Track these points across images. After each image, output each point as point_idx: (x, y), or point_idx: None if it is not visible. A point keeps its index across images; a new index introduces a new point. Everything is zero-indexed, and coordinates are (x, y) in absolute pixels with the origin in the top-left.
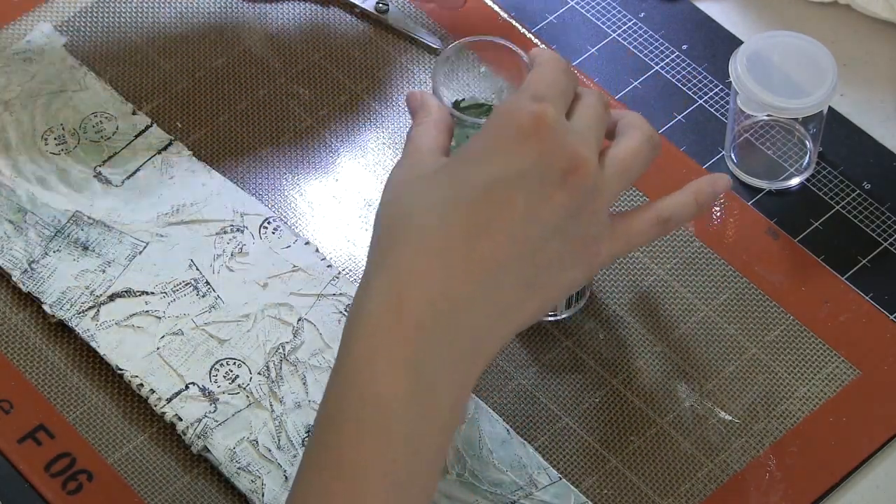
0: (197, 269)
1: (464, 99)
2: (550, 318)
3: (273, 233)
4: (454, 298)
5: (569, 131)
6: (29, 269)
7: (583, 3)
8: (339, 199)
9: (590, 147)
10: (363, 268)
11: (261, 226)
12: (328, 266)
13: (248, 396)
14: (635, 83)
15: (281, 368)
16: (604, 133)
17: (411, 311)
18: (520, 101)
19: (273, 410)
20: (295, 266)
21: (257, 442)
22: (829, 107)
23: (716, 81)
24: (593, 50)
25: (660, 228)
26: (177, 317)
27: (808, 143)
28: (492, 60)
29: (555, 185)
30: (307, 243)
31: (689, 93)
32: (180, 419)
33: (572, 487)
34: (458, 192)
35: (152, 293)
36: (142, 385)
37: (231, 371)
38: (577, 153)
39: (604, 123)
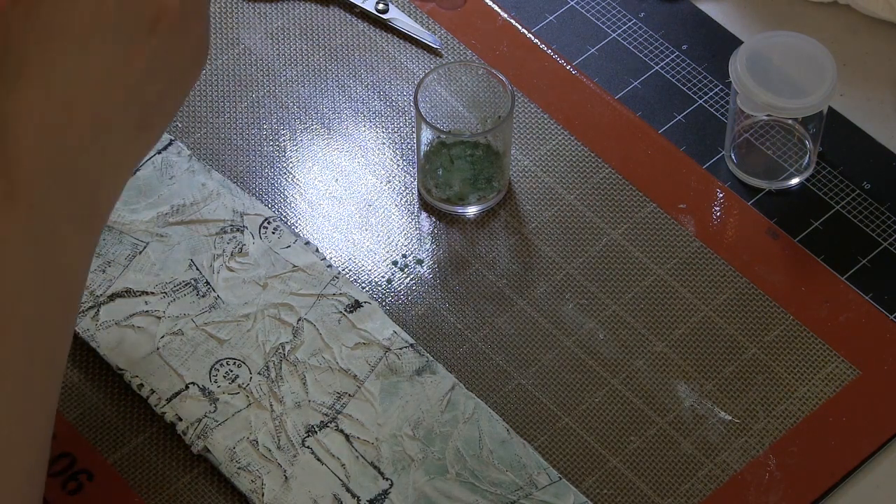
0: (197, 269)
1: (449, 132)
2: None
3: (273, 233)
4: (67, 162)
5: None
6: None
7: (583, 3)
8: (339, 199)
9: None
10: (363, 267)
11: (261, 226)
12: (328, 266)
13: (248, 396)
14: (635, 83)
15: (281, 368)
16: None
17: (25, 185)
18: None
19: (273, 410)
20: (295, 266)
21: (257, 442)
22: (829, 107)
23: (716, 81)
24: (593, 50)
25: None
26: (177, 317)
27: (807, 143)
28: (472, 83)
29: (144, 34)
30: (307, 243)
31: (689, 93)
32: (180, 419)
33: (572, 487)
34: (53, 43)
35: (152, 293)
36: (142, 385)
37: (231, 371)
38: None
39: None
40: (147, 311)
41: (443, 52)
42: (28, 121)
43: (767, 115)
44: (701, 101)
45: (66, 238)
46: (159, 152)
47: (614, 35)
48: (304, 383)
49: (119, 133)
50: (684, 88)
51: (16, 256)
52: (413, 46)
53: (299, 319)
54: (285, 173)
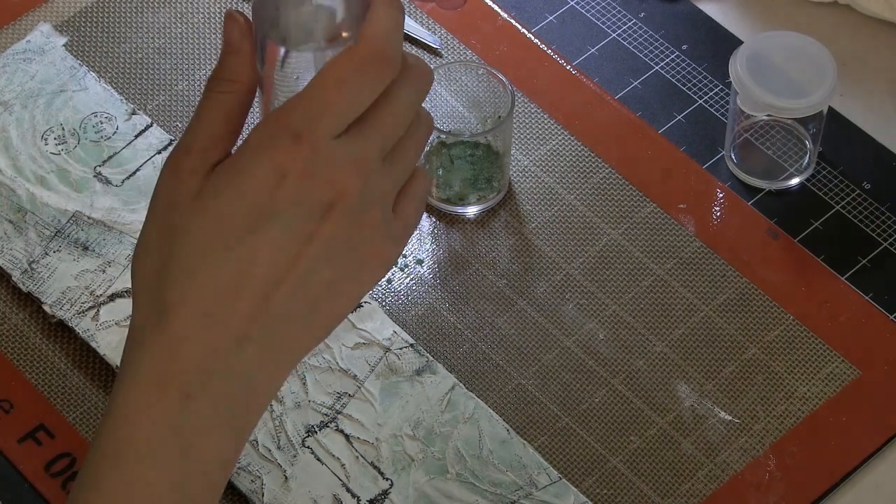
0: None
1: (449, 132)
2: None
3: None
4: (225, 356)
5: (334, 156)
6: (29, 269)
7: (583, 3)
8: None
9: (359, 168)
10: None
11: None
12: None
13: None
14: (635, 83)
15: None
16: (401, 129)
17: (179, 377)
18: (279, 130)
19: (273, 410)
20: None
21: (257, 442)
22: (829, 107)
23: (716, 81)
24: (593, 50)
25: (428, 192)
26: None
27: (808, 143)
28: (471, 83)
29: (316, 219)
30: None
31: (689, 93)
32: None
33: (572, 487)
34: (221, 230)
35: None
36: None
37: None
38: (340, 183)
39: (405, 119)
40: None
41: (443, 52)
42: (191, 308)
43: (767, 115)
44: (701, 101)
45: (212, 433)
46: (159, 152)
47: (614, 35)
48: (303, 383)
49: (283, 327)
50: (684, 88)
51: (159, 447)
52: (413, 46)
53: None
54: None
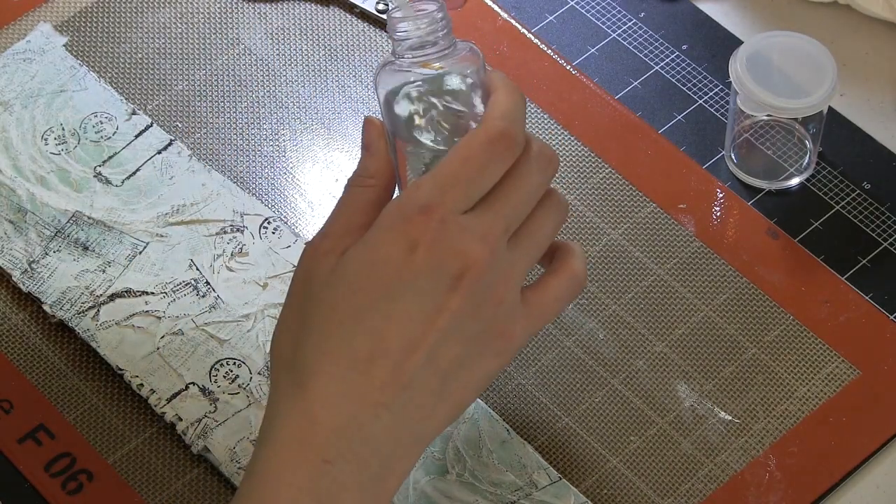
0: (197, 269)
1: None
2: None
3: (273, 233)
4: (362, 422)
5: (462, 228)
6: (29, 269)
7: (583, 3)
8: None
9: (486, 241)
10: None
11: (261, 226)
12: None
13: (248, 396)
14: (635, 83)
15: None
16: (526, 208)
17: (319, 442)
18: (409, 205)
19: None
20: (295, 266)
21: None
22: (829, 107)
23: (716, 81)
24: (593, 50)
25: (577, 288)
26: (177, 317)
27: (808, 143)
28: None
29: (446, 290)
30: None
31: (689, 93)
32: (180, 419)
33: (572, 487)
34: (354, 299)
35: (152, 293)
36: (142, 385)
37: (231, 371)
38: (467, 254)
39: (530, 198)
40: (147, 311)
41: None
42: (328, 374)
43: (767, 115)
44: (701, 101)
45: (348, 502)
46: (159, 152)
47: (614, 35)
48: None
49: (416, 398)
50: (684, 88)
51: None
52: None
53: None
54: (285, 173)
